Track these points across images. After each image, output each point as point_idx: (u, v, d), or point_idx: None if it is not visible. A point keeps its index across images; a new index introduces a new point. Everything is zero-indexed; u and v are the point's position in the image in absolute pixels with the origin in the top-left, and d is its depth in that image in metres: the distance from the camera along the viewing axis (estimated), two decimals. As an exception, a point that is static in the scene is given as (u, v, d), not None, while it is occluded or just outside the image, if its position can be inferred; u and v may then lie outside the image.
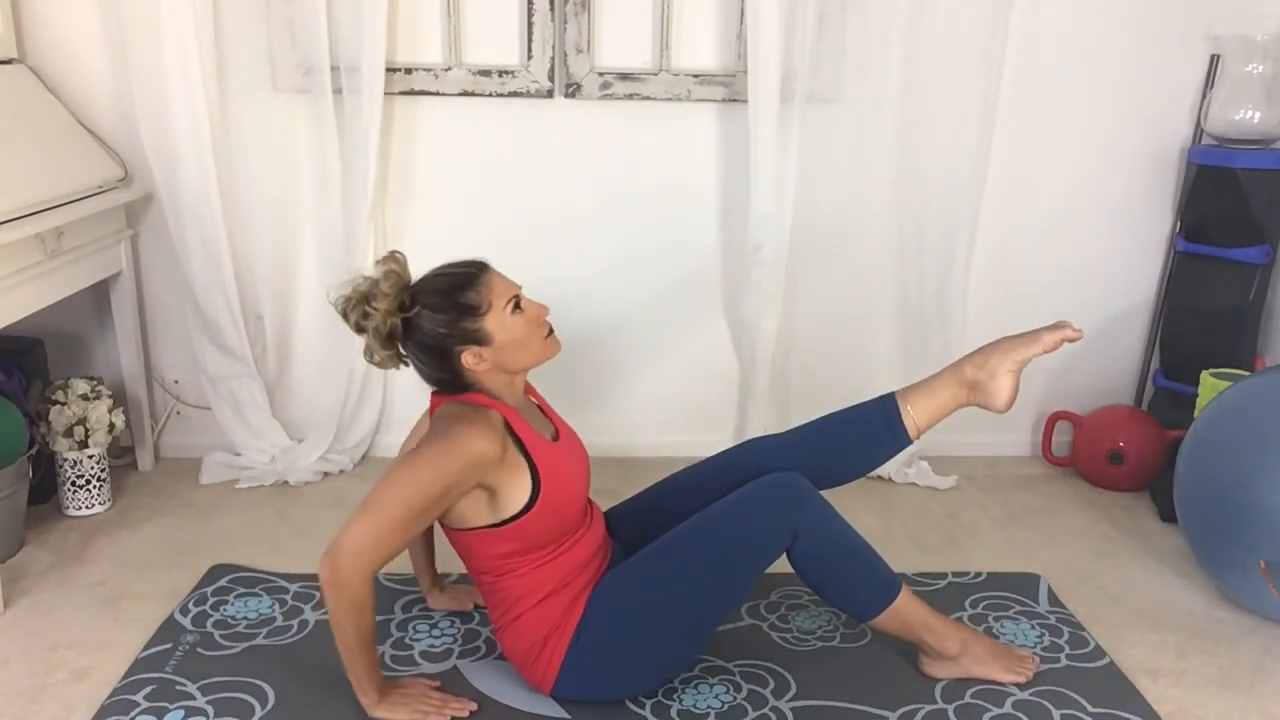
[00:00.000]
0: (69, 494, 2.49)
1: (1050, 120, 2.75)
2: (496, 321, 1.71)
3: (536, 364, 1.79)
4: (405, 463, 1.66)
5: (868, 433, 1.88)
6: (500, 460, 1.66)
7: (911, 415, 1.85)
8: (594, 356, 2.85)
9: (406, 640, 2.00)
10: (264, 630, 2.02)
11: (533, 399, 1.92)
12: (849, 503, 2.49)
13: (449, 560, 2.13)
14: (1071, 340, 1.80)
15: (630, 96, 2.65)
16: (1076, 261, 2.86)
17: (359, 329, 1.74)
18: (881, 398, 1.89)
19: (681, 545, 1.77)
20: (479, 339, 1.71)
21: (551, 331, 1.80)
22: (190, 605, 2.10)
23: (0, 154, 2.17)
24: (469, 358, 1.72)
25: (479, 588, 1.83)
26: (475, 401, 1.74)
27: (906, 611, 1.83)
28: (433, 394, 1.82)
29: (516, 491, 1.70)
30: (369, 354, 1.77)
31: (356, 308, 1.72)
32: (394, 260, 1.74)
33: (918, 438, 1.87)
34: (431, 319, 1.71)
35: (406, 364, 1.81)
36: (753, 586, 1.80)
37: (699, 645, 1.84)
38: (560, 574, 1.77)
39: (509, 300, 1.73)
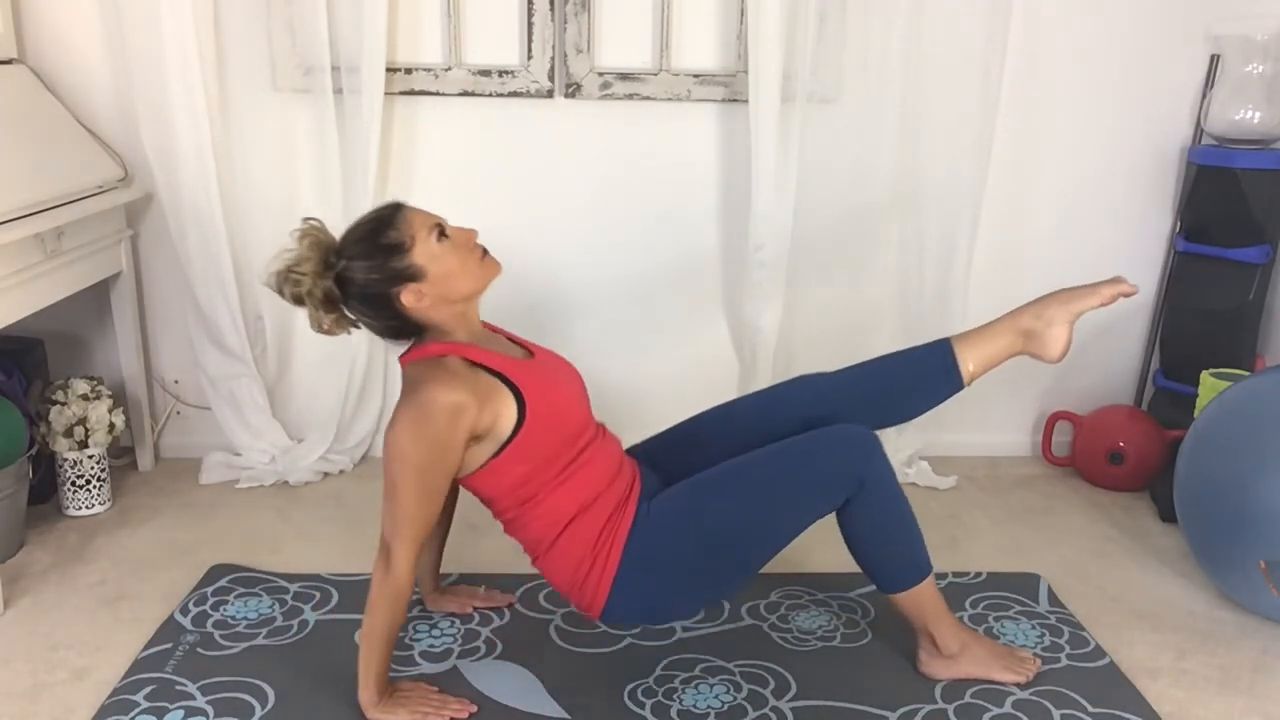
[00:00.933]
0: (69, 494, 2.49)
1: (1050, 120, 2.75)
2: (425, 253, 1.71)
3: (480, 288, 1.78)
4: (390, 438, 1.66)
5: (921, 375, 1.87)
6: (476, 400, 1.66)
7: (966, 361, 1.84)
8: (593, 355, 2.84)
9: (406, 640, 1.99)
10: (264, 630, 2.02)
11: (495, 333, 1.90)
12: (849, 503, 2.48)
13: (449, 561, 2.14)
14: (1127, 295, 1.81)
15: (630, 96, 2.65)
16: (1076, 262, 2.85)
17: (295, 300, 1.73)
18: (936, 342, 1.87)
19: (747, 475, 1.77)
20: (413, 275, 1.70)
21: (487, 253, 1.79)
22: (190, 605, 2.10)
23: (0, 154, 2.17)
24: (409, 297, 1.71)
25: (509, 531, 1.83)
26: (431, 354, 1.73)
27: (927, 597, 1.84)
28: (400, 358, 1.81)
29: (504, 413, 1.70)
30: (315, 324, 1.77)
31: (286, 279, 1.72)
32: (310, 225, 1.74)
33: (970, 384, 1.86)
34: (361, 268, 1.71)
35: (357, 326, 1.80)
36: (808, 527, 1.80)
37: (748, 576, 1.83)
38: (582, 492, 1.76)
39: (432, 229, 1.72)
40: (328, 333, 1.78)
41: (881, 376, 1.90)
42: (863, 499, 1.76)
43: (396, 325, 1.77)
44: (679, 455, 1.92)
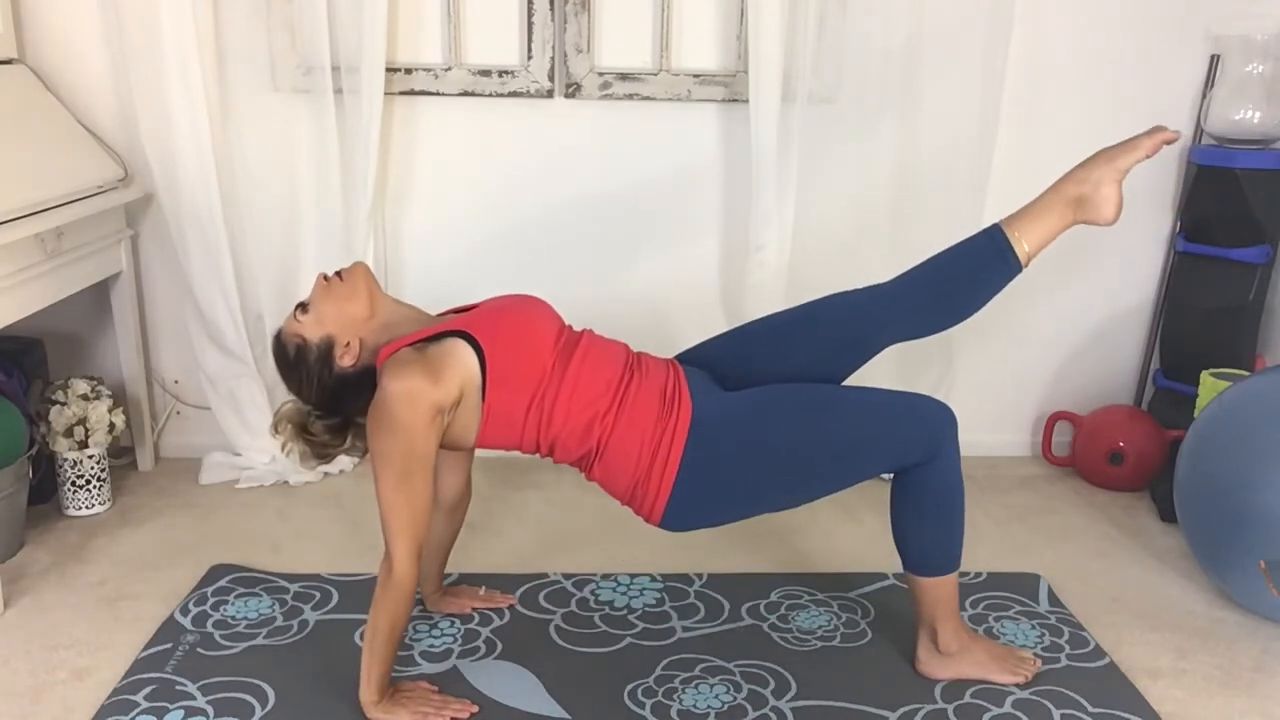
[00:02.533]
0: (69, 494, 2.49)
1: (1050, 120, 2.75)
2: (312, 329, 1.79)
3: (366, 294, 1.81)
4: (368, 440, 1.71)
5: (978, 264, 1.81)
6: (427, 377, 1.67)
7: (1020, 241, 1.79)
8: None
9: (406, 640, 1.99)
10: (264, 630, 2.02)
11: (446, 313, 1.92)
12: (849, 501, 2.50)
13: (451, 561, 2.14)
14: (1169, 142, 1.77)
15: (630, 96, 2.65)
16: (1077, 261, 2.86)
17: (326, 459, 1.87)
18: (987, 229, 1.83)
19: (828, 406, 1.78)
20: (328, 348, 1.79)
21: (338, 273, 1.83)
22: (190, 605, 2.10)
23: (0, 154, 2.17)
24: (345, 360, 1.79)
25: (558, 460, 1.82)
26: (384, 359, 1.75)
27: (946, 591, 1.84)
28: None
29: (466, 362, 1.72)
30: (357, 453, 1.88)
31: (305, 461, 1.86)
32: (276, 413, 1.87)
33: (1028, 265, 1.81)
34: (309, 390, 1.82)
35: (363, 416, 1.80)
36: (870, 477, 1.82)
37: (806, 500, 1.85)
38: (593, 386, 1.76)
39: (295, 313, 1.81)
40: (360, 448, 1.87)
41: (939, 273, 1.85)
42: (929, 471, 1.76)
43: (368, 378, 1.79)
44: (739, 355, 1.92)
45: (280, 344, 1.83)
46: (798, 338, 1.88)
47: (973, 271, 1.82)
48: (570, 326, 1.89)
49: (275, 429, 1.86)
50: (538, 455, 1.82)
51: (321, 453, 1.85)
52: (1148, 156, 1.77)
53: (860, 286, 1.91)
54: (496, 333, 1.75)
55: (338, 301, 1.80)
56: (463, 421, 1.74)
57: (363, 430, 1.80)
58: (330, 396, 1.81)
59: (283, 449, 1.86)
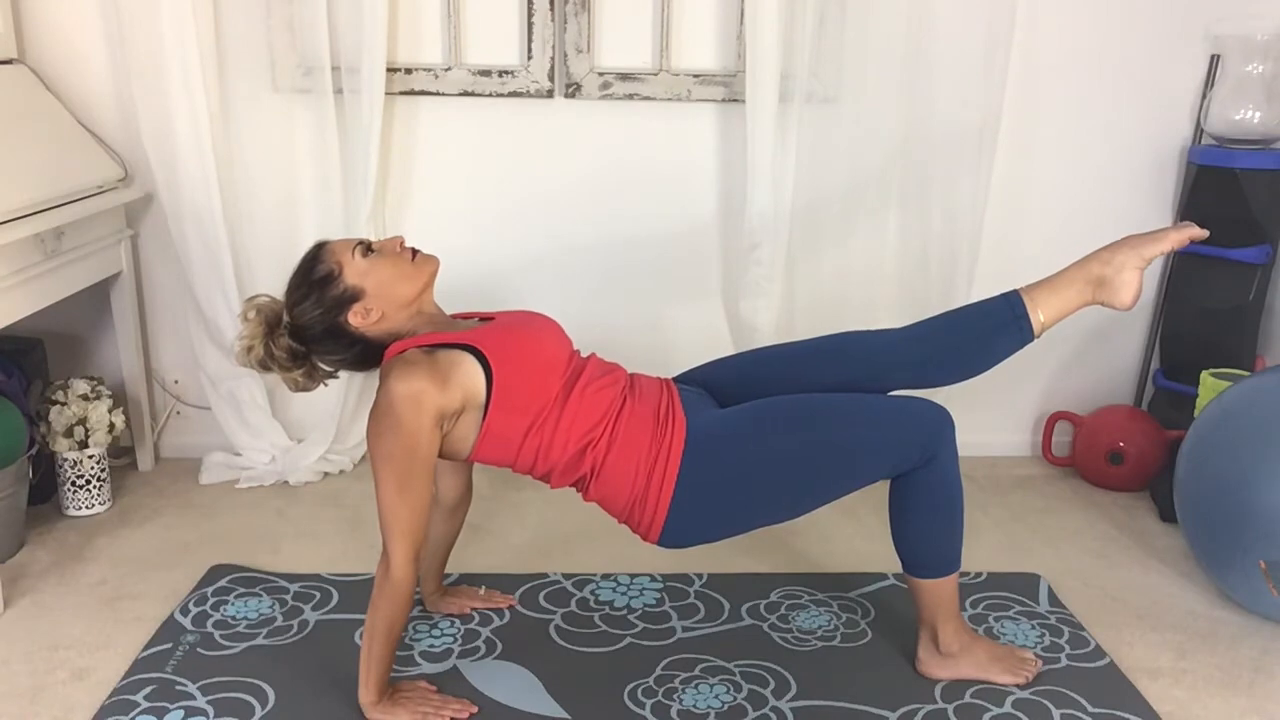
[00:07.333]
0: (69, 494, 2.49)
1: (1050, 121, 2.75)
2: (355, 272, 1.76)
3: (423, 285, 1.81)
4: (368, 441, 1.70)
5: (990, 326, 1.83)
6: (434, 382, 1.66)
7: (1036, 311, 1.81)
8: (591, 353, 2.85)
9: (406, 640, 1.99)
10: (264, 630, 2.02)
11: (467, 318, 1.91)
12: (849, 501, 2.49)
13: (451, 561, 2.14)
14: (1196, 239, 1.80)
15: (630, 96, 2.66)
16: (1076, 261, 2.86)
17: (262, 367, 1.80)
18: (1005, 293, 1.85)
19: (823, 414, 1.77)
20: (352, 296, 1.76)
21: (418, 252, 1.82)
22: (190, 605, 2.10)
23: (0, 154, 2.17)
24: (356, 318, 1.76)
25: (555, 484, 1.81)
26: (392, 354, 1.75)
27: (947, 592, 1.84)
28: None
29: (473, 375, 1.71)
30: (290, 384, 1.83)
31: (246, 353, 1.79)
32: (253, 300, 1.82)
33: (1040, 335, 1.83)
34: (305, 309, 1.77)
35: (334, 375, 1.84)
36: (870, 483, 1.81)
37: (805, 511, 1.84)
38: (594, 413, 1.76)
39: (355, 249, 1.78)
40: (305, 388, 1.84)
41: (951, 329, 1.87)
42: (927, 474, 1.77)
43: (361, 350, 1.80)
44: (740, 380, 1.92)
45: (317, 255, 1.79)
46: (802, 372, 1.88)
47: (985, 333, 1.84)
48: (578, 352, 1.89)
49: (245, 315, 1.81)
50: (531, 476, 1.82)
51: (266, 364, 1.80)
52: (1173, 250, 1.81)
53: (875, 329, 1.92)
54: (507, 354, 1.74)
55: (397, 273, 1.78)
56: (459, 435, 1.74)
57: (315, 372, 1.82)
58: (317, 331, 1.78)
59: (239, 334, 1.81)
